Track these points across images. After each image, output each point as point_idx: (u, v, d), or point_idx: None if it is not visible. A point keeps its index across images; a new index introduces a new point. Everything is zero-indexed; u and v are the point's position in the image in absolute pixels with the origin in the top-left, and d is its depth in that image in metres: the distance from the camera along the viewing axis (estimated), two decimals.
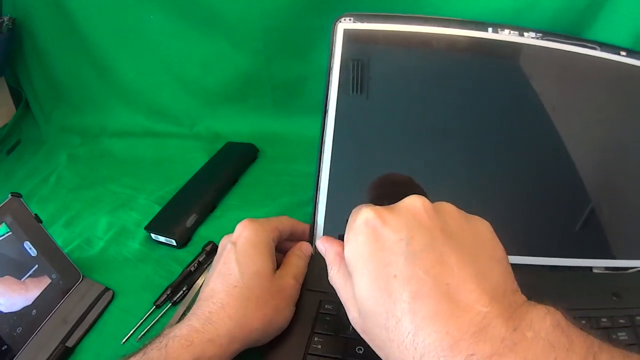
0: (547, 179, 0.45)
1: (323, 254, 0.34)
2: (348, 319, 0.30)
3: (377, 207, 0.29)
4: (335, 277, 0.32)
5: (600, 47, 0.44)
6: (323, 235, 0.44)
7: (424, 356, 0.23)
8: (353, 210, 0.31)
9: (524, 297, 0.25)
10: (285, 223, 0.41)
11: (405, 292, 0.24)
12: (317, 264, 0.42)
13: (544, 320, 0.23)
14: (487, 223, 0.29)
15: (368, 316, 0.27)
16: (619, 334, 0.37)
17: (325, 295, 0.40)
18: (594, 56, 0.44)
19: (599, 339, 0.23)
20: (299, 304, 0.38)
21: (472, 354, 0.22)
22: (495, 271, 0.26)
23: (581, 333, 0.23)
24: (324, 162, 0.45)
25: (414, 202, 0.28)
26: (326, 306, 0.39)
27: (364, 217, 0.28)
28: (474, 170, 0.45)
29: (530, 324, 0.23)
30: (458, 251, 0.25)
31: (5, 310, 0.42)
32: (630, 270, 0.43)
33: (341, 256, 0.31)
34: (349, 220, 0.30)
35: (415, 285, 0.24)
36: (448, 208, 0.29)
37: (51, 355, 0.42)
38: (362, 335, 0.28)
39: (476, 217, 0.29)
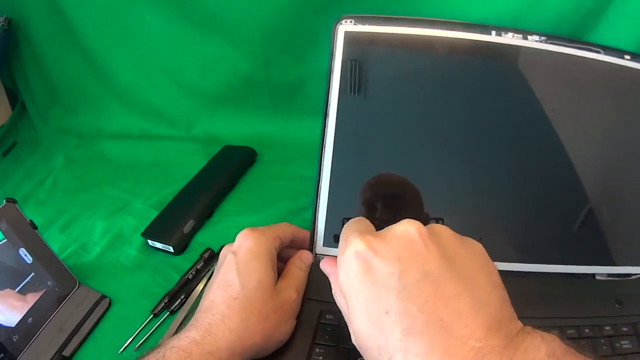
0: (549, 184, 0.44)
1: (328, 276, 0.34)
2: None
3: (367, 236, 0.28)
4: (338, 300, 0.31)
5: (604, 50, 0.44)
6: (323, 242, 0.44)
7: None
8: (343, 233, 0.30)
9: (519, 324, 0.25)
10: (286, 231, 0.41)
11: (397, 329, 0.24)
12: (317, 273, 0.41)
13: (538, 350, 0.23)
14: (481, 245, 0.28)
15: (362, 348, 0.26)
16: (622, 342, 0.37)
17: (326, 305, 0.39)
18: (597, 60, 0.44)
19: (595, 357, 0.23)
20: (299, 314, 0.38)
21: None
22: (492, 298, 0.25)
23: (578, 356, 0.23)
24: (324, 167, 0.44)
25: (406, 230, 0.27)
26: (327, 316, 0.38)
27: (353, 249, 0.27)
28: (475, 174, 0.45)
29: (525, 354, 0.23)
30: (454, 280, 0.25)
31: (5, 324, 0.42)
32: (633, 277, 0.43)
33: None
34: (339, 244, 0.30)
35: (407, 322, 0.24)
36: (444, 232, 0.28)
37: None
38: (362, 354, 0.28)
39: (470, 239, 0.28)
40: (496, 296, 0.25)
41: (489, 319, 0.24)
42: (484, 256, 0.28)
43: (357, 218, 0.32)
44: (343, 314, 0.31)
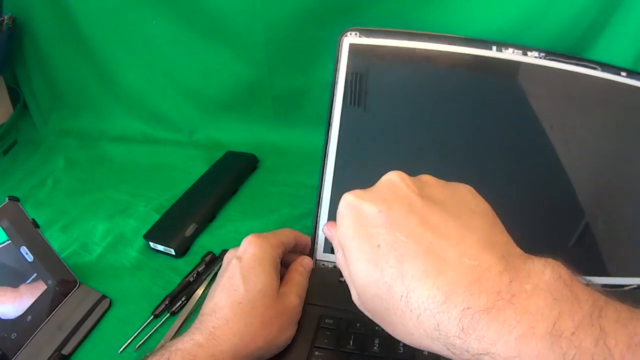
0: (545, 196, 0.45)
1: (330, 238, 0.34)
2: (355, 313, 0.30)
3: (356, 190, 0.29)
4: (340, 260, 0.31)
5: (601, 67, 0.45)
6: (324, 248, 0.44)
7: (421, 316, 0.23)
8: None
9: (519, 249, 0.25)
10: (288, 236, 0.41)
11: (391, 258, 0.25)
12: (317, 278, 0.42)
13: (542, 273, 0.22)
14: (469, 186, 0.29)
15: (363, 291, 0.26)
16: None
17: (325, 310, 0.40)
18: (594, 76, 0.45)
19: (604, 294, 0.22)
20: (299, 318, 0.38)
21: (467, 307, 0.21)
22: (479, 223, 0.26)
23: (585, 287, 0.22)
24: (326, 175, 0.45)
25: (389, 176, 0.28)
26: (327, 320, 0.39)
27: (345, 202, 0.29)
28: (475, 187, 0.45)
29: (528, 276, 0.22)
30: (439, 212, 0.26)
31: (3, 318, 0.42)
32: (627, 288, 0.44)
33: None
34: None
35: (399, 250, 0.24)
36: (426, 177, 0.29)
37: None
38: (366, 313, 0.28)
39: (456, 183, 0.29)
40: (484, 222, 0.26)
41: (479, 241, 0.24)
42: (470, 192, 0.28)
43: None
44: (343, 274, 0.31)
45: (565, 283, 0.22)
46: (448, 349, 0.22)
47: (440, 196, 0.27)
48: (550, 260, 0.23)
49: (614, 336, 0.20)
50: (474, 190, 0.29)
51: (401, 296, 0.24)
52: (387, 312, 0.25)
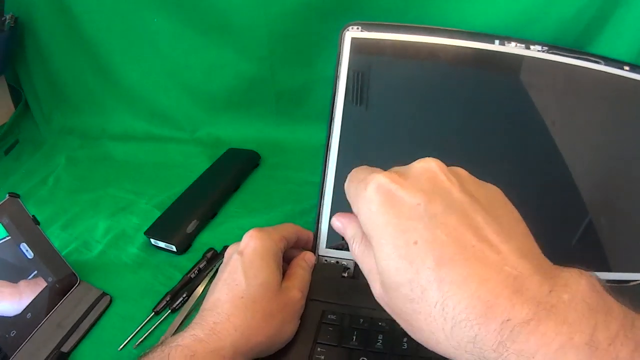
0: (549, 191, 0.45)
1: (341, 232, 0.32)
2: (373, 294, 0.28)
3: (387, 172, 0.27)
4: (357, 250, 0.29)
5: (604, 61, 0.45)
6: (326, 244, 0.44)
7: (456, 326, 0.21)
8: (354, 178, 0.29)
9: (548, 260, 0.24)
10: (291, 231, 0.41)
11: (429, 258, 0.22)
12: (320, 273, 0.42)
13: (579, 282, 0.21)
14: (498, 188, 0.27)
15: (391, 289, 0.24)
16: None
17: (328, 305, 0.39)
18: (597, 70, 0.45)
19: (632, 307, 0.22)
20: (302, 314, 0.38)
21: (508, 319, 0.20)
22: (518, 230, 0.24)
23: (615, 299, 0.22)
24: (328, 171, 0.45)
25: (428, 164, 0.26)
26: (329, 316, 0.38)
27: (376, 183, 0.26)
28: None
29: (566, 285, 0.21)
30: (478, 211, 0.24)
31: (4, 315, 0.42)
32: (632, 284, 0.43)
33: (361, 229, 0.28)
34: (352, 187, 0.28)
35: (438, 250, 0.22)
36: (460, 171, 0.27)
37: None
38: (387, 310, 0.26)
39: (487, 182, 0.28)
40: (521, 229, 0.25)
41: (518, 248, 0.23)
42: (502, 196, 0.27)
43: (362, 166, 0.30)
44: (360, 265, 0.29)
45: (599, 293, 0.21)
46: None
47: (477, 193, 0.25)
48: (583, 271, 0.22)
49: None
50: (502, 193, 0.27)
51: (436, 302, 0.22)
52: (416, 315, 0.23)
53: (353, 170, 0.30)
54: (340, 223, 0.32)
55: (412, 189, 0.25)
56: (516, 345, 0.20)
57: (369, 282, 0.28)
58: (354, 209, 0.28)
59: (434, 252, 0.23)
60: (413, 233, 0.23)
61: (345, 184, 0.30)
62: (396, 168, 0.28)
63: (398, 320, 0.26)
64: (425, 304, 0.22)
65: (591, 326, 0.20)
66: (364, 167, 0.29)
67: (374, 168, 0.28)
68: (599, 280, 0.22)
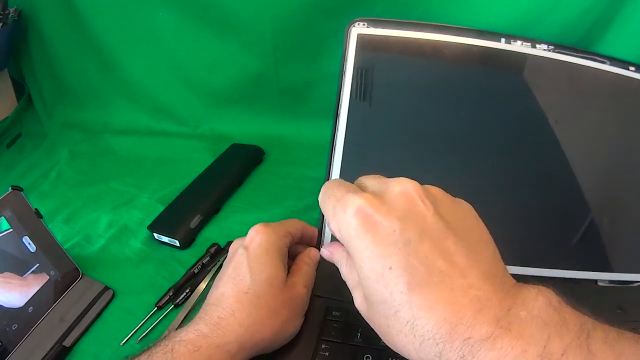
0: (553, 190, 0.45)
1: (330, 259, 0.34)
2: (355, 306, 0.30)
3: (366, 194, 0.27)
4: (344, 271, 0.31)
5: (609, 61, 0.45)
6: (331, 239, 0.44)
7: (424, 343, 0.23)
8: (330, 195, 0.29)
9: (512, 279, 0.26)
10: (296, 227, 0.41)
11: (401, 283, 0.24)
12: (324, 270, 0.42)
13: (536, 300, 0.24)
14: (470, 206, 0.29)
15: (371, 305, 0.27)
16: None
17: (332, 302, 0.39)
18: (603, 70, 0.45)
19: (592, 318, 0.23)
20: (306, 310, 0.38)
21: (469, 337, 0.22)
22: (486, 253, 0.26)
23: (573, 311, 0.24)
24: (334, 167, 0.45)
25: (405, 188, 0.27)
26: (334, 313, 0.38)
27: (354, 207, 0.27)
28: (479, 179, 0.45)
29: (524, 303, 0.23)
30: (450, 237, 0.26)
31: (5, 306, 0.41)
32: (636, 284, 0.43)
33: (345, 251, 0.31)
34: (329, 205, 0.29)
35: (409, 276, 0.24)
36: (438, 193, 0.28)
37: (47, 354, 0.41)
38: (367, 321, 0.28)
39: (460, 200, 0.29)
40: (489, 251, 0.27)
41: (485, 271, 0.25)
42: (474, 216, 0.29)
43: (336, 180, 0.31)
44: (347, 282, 0.31)
45: (555, 308, 0.23)
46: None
47: (450, 216, 0.27)
48: (542, 287, 0.25)
49: (601, 357, 0.21)
50: (474, 211, 0.29)
51: (407, 322, 0.24)
52: (390, 330, 0.25)
53: (327, 183, 0.31)
54: (329, 251, 0.34)
55: (388, 215, 0.26)
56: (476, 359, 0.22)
57: (352, 294, 0.30)
58: (333, 226, 0.29)
59: (406, 277, 0.24)
60: (388, 259, 0.25)
61: (320, 198, 0.31)
62: (374, 186, 0.29)
63: (375, 330, 0.28)
64: (398, 322, 0.25)
65: (544, 339, 0.22)
66: (339, 181, 0.31)
67: (349, 185, 0.30)
68: (557, 295, 0.24)
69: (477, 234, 0.27)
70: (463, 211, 0.28)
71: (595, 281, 0.43)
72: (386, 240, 0.26)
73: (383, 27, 0.45)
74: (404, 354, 0.25)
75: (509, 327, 0.22)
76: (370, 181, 0.30)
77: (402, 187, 0.27)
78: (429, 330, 0.23)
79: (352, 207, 0.27)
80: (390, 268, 0.25)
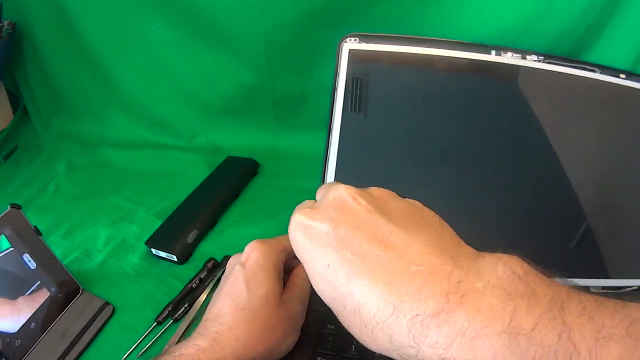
0: (546, 199, 0.46)
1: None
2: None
3: (304, 208, 0.29)
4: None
5: (599, 69, 0.45)
6: None
7: (374, 330, 0.23)
8: None
9: (470, 249, 0.25)
10: None
11: (340, 276, 0.25)
12: None
13: (494, 270, 0.22)
14: (419, 202, 0.29)
15: (331, 308, 0.27)
16: None
17: (327, 315, 0.39)
18: (593, 79, 0.45)
19: (567, 287, 0.21)
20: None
21: (416, 315, 0.21)
22: (427, 231, 0.25)
23: (545, 280, 0.22)
24: (327, 180, 0.45)
25: (338, 192, 0.28)
26: (329, 326, 0.39)
27: (294, 222, 0.29)
28: (473, 190, 0.46)
29: (479, 274, 0.22)
30: (386, 222, 0.26)
31: (5, 331, 0.42)
32: (627, 289, 0.44)
33: None
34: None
35: (347, 269, 0.25)
36: (378, 192, 0.29)
37: None
38: None
39: (408, 199, 0.29)
40: (432, 229, 0.26)
41: (427, 246, 0.24)
42: (417, 205, 0.28)
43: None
44: None
45: (520, 278, 0.21)
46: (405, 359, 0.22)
47: (388, 208, 0.27)
48: (503, 255, 0.23)
49: (579, 330, 0.19)
50: (421, 204, 0.29)
51: (355, 313, 0.24)
52: (350, 327, 0.25)
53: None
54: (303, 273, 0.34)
55: (321, 219, 0.27)
56: (429, 339, 0.21)
57: None
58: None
59: (344, 270, 0.25)
60: (325, 258, 0.26)
61: None
62: (318, 197, 0.31)
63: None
64: (348, 315, 0.25)
65: (509, 312, 0.20)
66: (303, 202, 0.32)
67: (304, 203, 0.31)
68: (523, 263, 0.22)
69: (418, 216, 0.27)
70: (408, 204, 0.28)
71: (588, 288, 0.44)
72: (321, 241, 0.26)
73: (374, 42, 0.46)
74: (372, 349, 0.24)
75: (461, 300, 0.21)
76: (319, 193, 0.31)
77: (335, 193, 0.28)
78: (374, 315, 0.23)
79: (293, 222, 0.29)
80: (328, 266, 0.25)
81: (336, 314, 0.26)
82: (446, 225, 0.27)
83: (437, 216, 0.28)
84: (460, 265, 0.23)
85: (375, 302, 0.23)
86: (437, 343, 0.20)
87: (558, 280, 0.22)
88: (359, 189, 0.28)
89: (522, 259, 0.23)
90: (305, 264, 0.28)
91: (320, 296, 0.27)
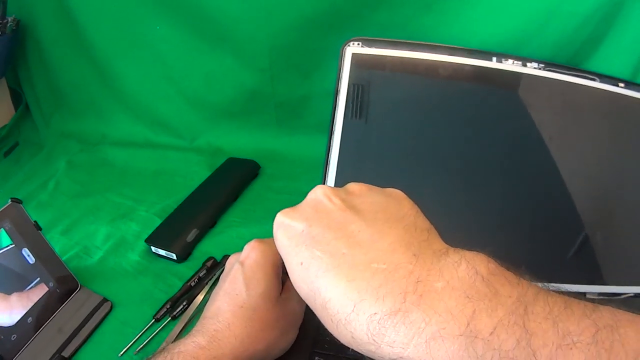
0: (544, 205, 0.46)
1: None
2: None
3: (284, 210, 0.30)
4: None
5: (599, 78, 0.45)
6: None
7: (339, 326, 0.23)
8: None
9: (440, 245, 0.25)
10: None
11: (311, 273, 0.25)
12: None
13: (456, 269, 0.22)
14: (401, 192, 0.29)
15: (309, 305, 0.27)
16: None
17: None
18: (593, 87, 0.46)
19: (535, 287, 0.21)
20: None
21: (374, 313, 0.22)
22: (397, 226, 0.26)
23: (511, 281, 0.21)
24: (327, 184, 0.46)
25: (314, 193, 0.30)
26: None
27: (275, 222, 0.30)
28: (472, 196, 0.46)
29: (440, 274, 0.22)
30: (357, 221, 0.26)
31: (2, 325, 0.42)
32: (624, 296, 0.44)
33: None
34: None
35: (316, 266, 0.25)
36: (352, 187, 0.30)
37: None
38: None
39: (390, 189, 0.30)
40: (401, 225, 0.26)
41: (392, 243, 0.24)
42: (396, 198, 0.29)
43: None
44: None
45: (483, 278, 0.21)
46: (369, 357, 0.22)
47: (362, 205, 0.28)
48: (467, 253, 0.23)
49: (541, 336, 0.18)
50: (403, 195, 0.29)
51: (323, 308, 0.24)
52: (321, 320, 0.26)
53: None
54: None
55: (298, 218, 0.28)
56: (387, 338, 0.21)
57: None
58: None
59: (313, 267, 0.25)
60: (299, 256, 0.27)
61: None
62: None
63: None
64: (318, 310, 0.25)
65: (467, 315, 0.20)
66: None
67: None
68: (488, 262, 0.22)
69: (393, 211, 0.27)
70: (384, 197, 0.28)
71: (584, 294, 0.44)
72: (296, 240, 0.27)
73: (377, 47, 0.47)
74: (344, 343, 0.24)
75: (419, 300, 0.21)
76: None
77: (313, 194, 0.30)
78: (337, 310, 0.23)
79: (275, 222, 0.30)
80: (301, 263, 0.26)
81: (312, 309, 0.27)
82: (421, 219, 0.27)
83: (414, 208, 0.28)
84: (422, 263, 0.23)
85: (339, 299, 0.23)
86: (394, 342, 0.21)
87: (527, 279, 0.22)
88: (336, 189, 0.29)
89: (487, 257, 0.23)
90: (285, 261, 0.28)
91: (298, 292, 0.28)
